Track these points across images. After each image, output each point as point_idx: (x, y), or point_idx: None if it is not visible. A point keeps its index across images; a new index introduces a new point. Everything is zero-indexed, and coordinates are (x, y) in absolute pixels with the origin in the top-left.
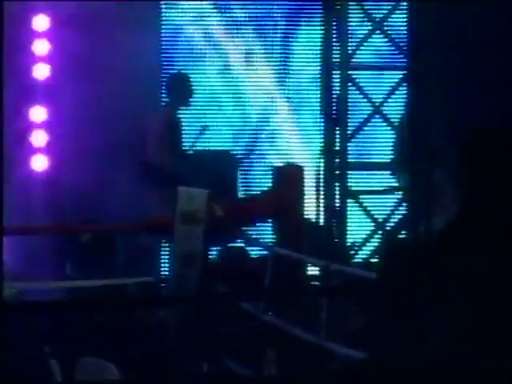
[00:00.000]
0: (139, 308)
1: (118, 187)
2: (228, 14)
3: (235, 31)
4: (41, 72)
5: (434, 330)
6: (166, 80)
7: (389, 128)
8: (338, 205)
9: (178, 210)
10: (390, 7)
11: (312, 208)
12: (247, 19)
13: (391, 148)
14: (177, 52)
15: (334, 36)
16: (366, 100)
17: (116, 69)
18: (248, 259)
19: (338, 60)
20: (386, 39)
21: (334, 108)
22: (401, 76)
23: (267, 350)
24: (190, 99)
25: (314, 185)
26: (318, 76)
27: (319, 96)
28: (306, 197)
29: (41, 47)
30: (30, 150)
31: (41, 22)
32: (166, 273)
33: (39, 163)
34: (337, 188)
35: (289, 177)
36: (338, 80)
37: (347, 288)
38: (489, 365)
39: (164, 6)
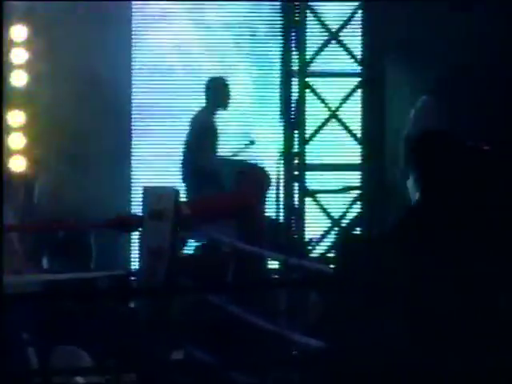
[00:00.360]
0: (111, 299)
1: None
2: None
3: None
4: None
5: (387, 320)
6: (205, 83)
7: (344, 131)
8: (296, 203)
9: (147, 207)
10: (345, 18)
11: (272, 206)
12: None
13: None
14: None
15: (293, 45)
16: (322, 105)
17: (90, 70)
18: (213, 254)
19: (296, 67)
20: (341, 48)
21: (292, 112)
22: (355, 83)
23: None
24: (228, 103)
25: (275, 185)
26: (278, 82)
27: (279, 101)
28: (266, 196)
29: (18, 56)
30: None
31: (19, 31)
32: (136, 266)
33: (17, 165)
34: (296, 188)
35: (251, 177)
36: (297, 86)
37: (305, 281)
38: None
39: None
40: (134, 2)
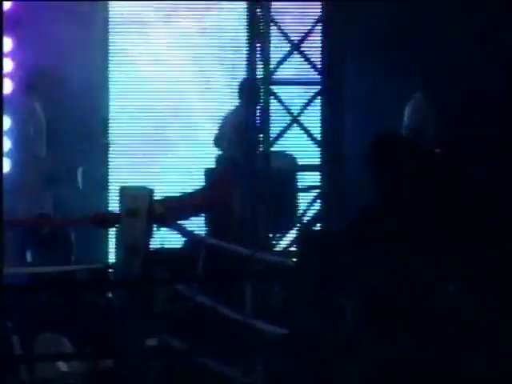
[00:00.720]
0: (90, 291)
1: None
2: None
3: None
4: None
5: (346, 308)
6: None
7: (305, 135)
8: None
9: (123, 206)
10: (306, 31)
11: (240, 204)
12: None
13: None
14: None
15: (258, 55)
16: (285, 111)
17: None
18: (185, 248)
19: (261, 76)
20: (303, 58)
21: (258, 118)
22: (316, 90)
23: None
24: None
25: (243, 183)
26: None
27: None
28: (234, 194)
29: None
30: None
31: (5, 43)
32: (113, 260)
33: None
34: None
35: (220, 178)
36: (262, 93)
37: (269, 272)
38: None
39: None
40: (110, 3)
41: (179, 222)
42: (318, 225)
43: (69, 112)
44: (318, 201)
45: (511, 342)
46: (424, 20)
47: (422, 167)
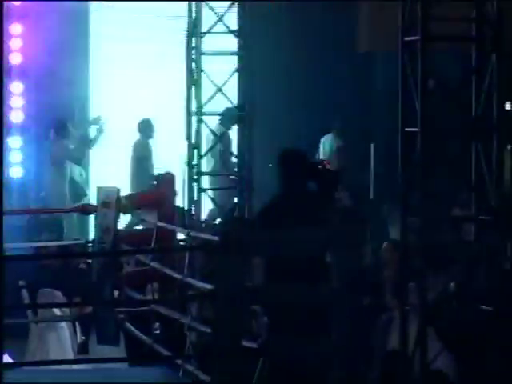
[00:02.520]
0: (75, 258)
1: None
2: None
3: None
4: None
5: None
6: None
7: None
8: (195, 197)
9: (99, 200)
10: (227, 77)
11: (180, 199)
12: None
13: None
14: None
15: (193, 93)
16: (210, 132)
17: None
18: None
19: (195, 109)
20: (224, 96)
21: (193, 137)
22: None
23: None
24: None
25: (181, 184)
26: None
27: (185, 130)
28: (176, 192)
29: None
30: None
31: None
32: (92, 237)
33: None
34: (195, 186)
35: (166, 179)
36: (196, 121)
37: (200, 246)
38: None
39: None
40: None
41: (138, 211)
42: (236, 212)
43: None
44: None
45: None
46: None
47: (315, 174)
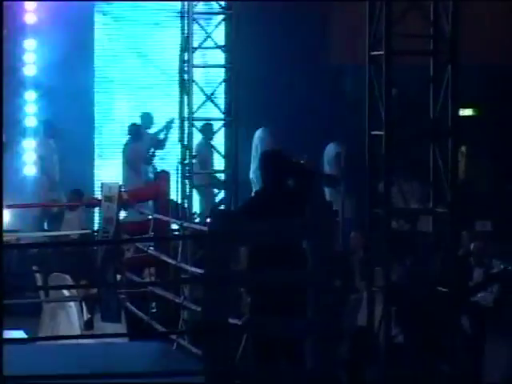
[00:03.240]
0: (82, 245)
1: None
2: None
3: None
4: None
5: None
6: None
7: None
8: (188, 192)
9: (103, 194)
10: (216, 85)
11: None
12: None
13: None
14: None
15: (186, 101)
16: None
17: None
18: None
19: (187, 115)
20: (213, 104)
21: (186, 140)
22: (221, 124)
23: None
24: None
25: (176, 181)
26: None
27: (178, 134)
28: (170, 188)
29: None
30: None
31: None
32: (98, 227)
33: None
34: (187, 183)
35: (162, 176)
36: (187, 126)
37: (191, 235)
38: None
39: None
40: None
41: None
42: (222, 206)
43: None
44: (222, 192)
45: None
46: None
47: (294, 172)
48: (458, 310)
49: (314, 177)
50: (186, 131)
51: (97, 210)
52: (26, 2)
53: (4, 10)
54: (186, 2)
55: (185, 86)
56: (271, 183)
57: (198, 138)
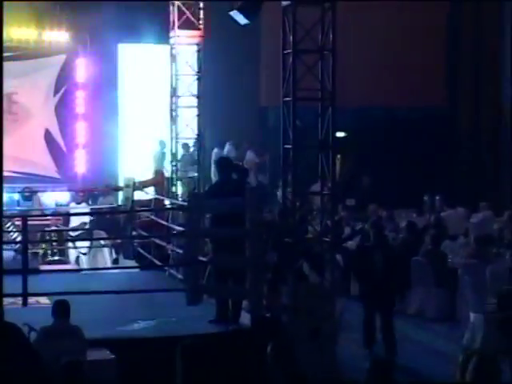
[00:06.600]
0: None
1: None
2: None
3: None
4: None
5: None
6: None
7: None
8: (175, 182)
9: (124, 184)
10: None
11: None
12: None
13: None
14: None
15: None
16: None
17: None
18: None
19: (175, 134)
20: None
21: (174, 150)
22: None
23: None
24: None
25: (169, 175)
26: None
27: (170, 146)
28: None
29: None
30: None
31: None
32: (120, 203)
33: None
34: (175, 177)
35: (160, 172)
36: (175, 142)
37: (177, 207)
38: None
39: None
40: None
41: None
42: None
43: None
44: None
45: None
46: None
47: (236, 173)
48: (335, 252)
49: (248, 173)
50: (174, 146)
51: (120, 192)
52: None
53: None
54: None
55: (172, 113)
56: (223, 176)
57: (181, 150)
